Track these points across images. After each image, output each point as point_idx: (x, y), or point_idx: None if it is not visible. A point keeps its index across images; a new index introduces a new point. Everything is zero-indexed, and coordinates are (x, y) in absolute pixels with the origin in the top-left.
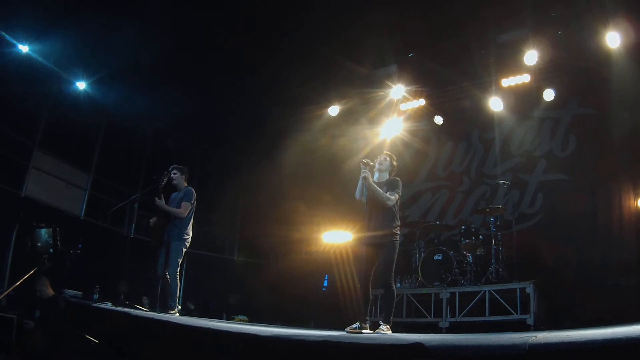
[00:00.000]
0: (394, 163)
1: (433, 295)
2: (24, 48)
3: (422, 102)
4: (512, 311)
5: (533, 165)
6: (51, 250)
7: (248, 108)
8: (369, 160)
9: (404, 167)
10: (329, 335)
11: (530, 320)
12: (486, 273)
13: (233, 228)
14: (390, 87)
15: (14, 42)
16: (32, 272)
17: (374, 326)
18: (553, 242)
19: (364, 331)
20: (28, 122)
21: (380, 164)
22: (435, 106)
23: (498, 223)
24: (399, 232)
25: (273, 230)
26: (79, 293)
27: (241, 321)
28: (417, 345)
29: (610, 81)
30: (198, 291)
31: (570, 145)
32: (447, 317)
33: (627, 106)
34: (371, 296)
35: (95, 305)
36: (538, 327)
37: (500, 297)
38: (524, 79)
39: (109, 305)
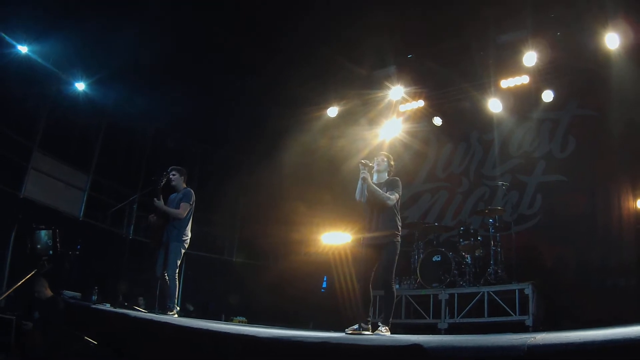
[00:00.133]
0: (392, 163)
1: (432, 296)
2: (23, 49)
3: (421, 103)
4: (511, 312)
5: (532, 166)
6: (51, 252)
7: (248, 108)
8: (368, 161)
9: (403, 168)
10: (328, 337)
11: (529, 322)
12: (485, 274)
13: (233, 228)
14: (389, 88)
15: (14, 42)
16: (32, 273)
17: (373, 327)
18: (552, 243)
19: (364, 332)
20: (27, 123)
21: (378, 165)
22: (434, 107)
23: (497, 224)
24: (400, 233)
25: (272, 231)
26: (78, 294)
27: (240, 322)
28: (416, 347)
29: (609, 82)
30: (197, 292)
31: (570, 147)
32: (445, 318)
33: (627, 107)
34: (372, 297)
35: (94, 306)
36: (537, 328)
37: (499, 298)
38: (523, 80)
39: (107, 307)
